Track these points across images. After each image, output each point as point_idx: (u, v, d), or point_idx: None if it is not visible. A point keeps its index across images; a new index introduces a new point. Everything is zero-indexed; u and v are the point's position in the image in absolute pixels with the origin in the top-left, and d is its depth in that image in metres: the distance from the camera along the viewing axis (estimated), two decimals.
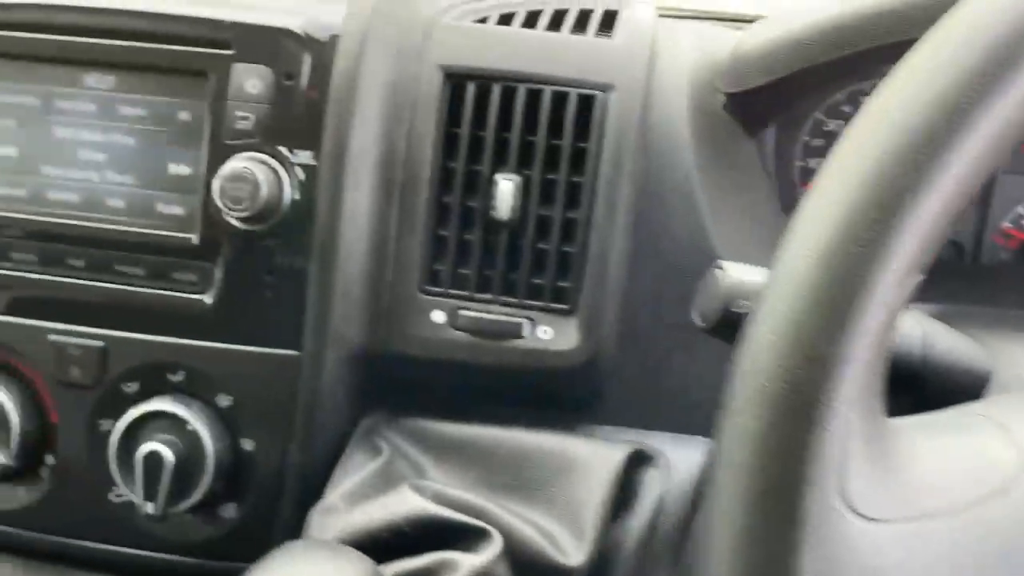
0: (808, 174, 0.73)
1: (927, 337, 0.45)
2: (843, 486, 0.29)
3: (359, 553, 0.48)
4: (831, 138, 0.72)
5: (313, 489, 0.62)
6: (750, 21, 0.82)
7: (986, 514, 0.31)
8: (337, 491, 0.59)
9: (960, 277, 0.71)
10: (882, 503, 0.30)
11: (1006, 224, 0.73)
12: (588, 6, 0.66)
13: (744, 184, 0.67)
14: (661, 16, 0.69)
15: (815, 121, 0.72)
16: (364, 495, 0.58)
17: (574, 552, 0.56)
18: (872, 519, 0.30)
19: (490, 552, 0.50)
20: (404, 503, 0.52)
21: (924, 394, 0.45)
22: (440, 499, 0.54)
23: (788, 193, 0.72)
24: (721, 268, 0.45)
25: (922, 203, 0.28)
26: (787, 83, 0.63)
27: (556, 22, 0.64)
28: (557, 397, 0.63)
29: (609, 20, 0.65)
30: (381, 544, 0.51)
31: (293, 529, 0.62)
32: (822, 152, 0.72)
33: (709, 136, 0.65)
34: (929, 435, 0.34)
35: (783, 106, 0.68)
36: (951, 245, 0.76)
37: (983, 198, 0.73)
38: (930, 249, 0.30)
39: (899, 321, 0.32)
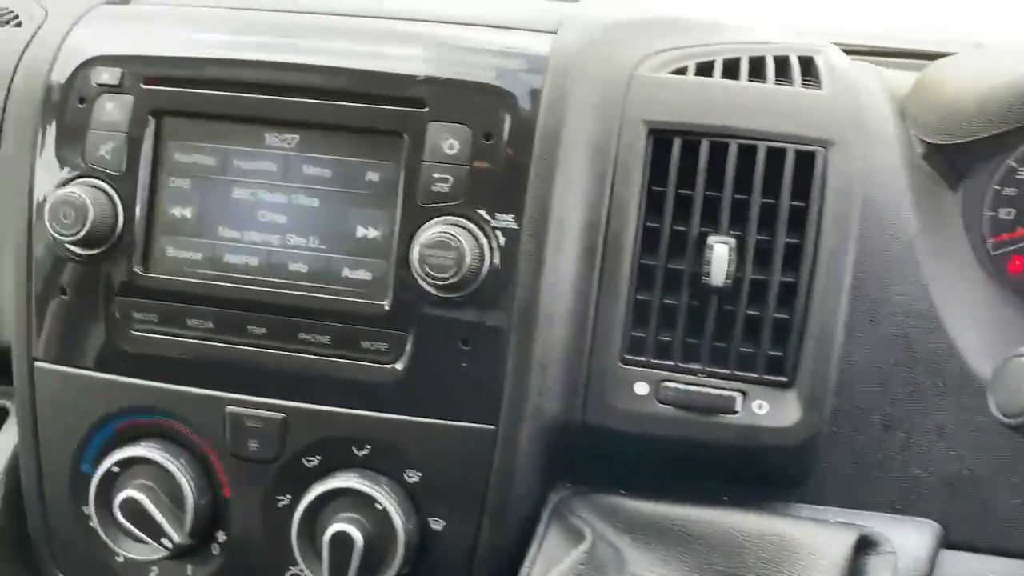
0: (999, 225, 0.68)
1: None
2: None
3: None
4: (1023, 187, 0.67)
5: (504, 571, 0.59)
6: (927, 57, 0.78)
7: None
8: None
9: None
10: None
11: None
12: (779, 52, 0.62)
13: (951, 240, 0.63)
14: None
15: (1007, 168, 0.67)
16: None
17: None
18: None
19: None
20: None
21: None
22: None
23: (978, 247, 0.68)
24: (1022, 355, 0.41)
25: None
26: (1005, 135, 0.59)
27: (755, 71, 0.60)
28: (767, 475, 0.58)
29: (807, 67, 0.61)
30: None
31: None
32: (1014, 202, 0.67)
33: (919, 191, 0.61)
34: None
35: (988, 156, 0.64)
36: None
37: None
38: None
39: None
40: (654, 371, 0.57)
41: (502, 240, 0.55)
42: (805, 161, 0.56)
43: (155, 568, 0.62)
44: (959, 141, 0.60)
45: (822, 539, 0.55)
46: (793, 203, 0.56)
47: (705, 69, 0.60)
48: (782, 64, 0.61)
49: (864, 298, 0.58)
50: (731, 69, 0.60)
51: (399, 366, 0.57)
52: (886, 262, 0.58)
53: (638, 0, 0.71)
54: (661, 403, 0.57)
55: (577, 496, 0.60)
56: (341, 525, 0.56)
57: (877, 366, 0.58)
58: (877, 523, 0.57)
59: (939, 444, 0.58)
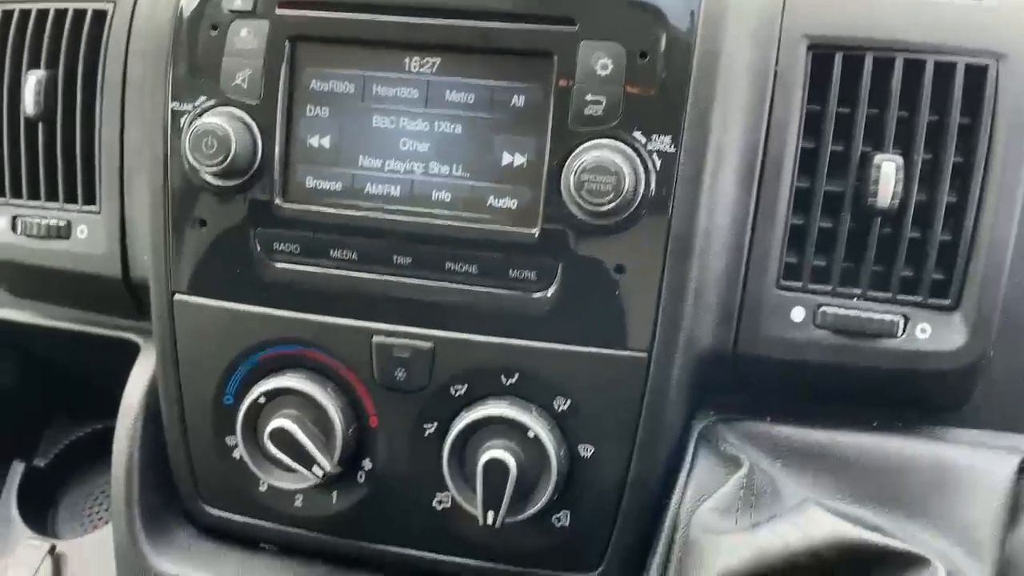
0: None
1: None
2: None
3: None
4: None
5: (652, 497, 0.59)
6: None
7: None
8: (706, 506, 0.54)
9: None
10: None
11: None
12: None
13: None
14: None
15: None
16: (734, 509, 0.54)
17: (975, 573, 0.51)
18: None
19: None
20: (819, 525, 0.48)
21: None
22: (845, 519, 0.50)
23: None
24: None
25: None
26: None
27: None
28: (923, 400, 0.57)
29: None
30: (800, 571, 0.47)
31: (631, 538, 0.59)
32: None
33: None
34: None
35: None
36: None
37: None
38: None
39: None
40: (812, 296, 0.56)
41: (658, 163, 0.54)
42: (975, 76, 0.53)
43: (300, 496, 0.63)
44: None
45: (982, 462, 0.54)
46: (961, 121, 0.53)
47: None
48: None
49: None
50: None
51: (549, 294, 0.56)
52: None
53: None
54: (818, 328, 0.56)
55: (725, 424, 0.59)
56: (496, 452, 0.56)
57: None
58: None
59: None
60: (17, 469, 0.76)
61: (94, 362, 0.72)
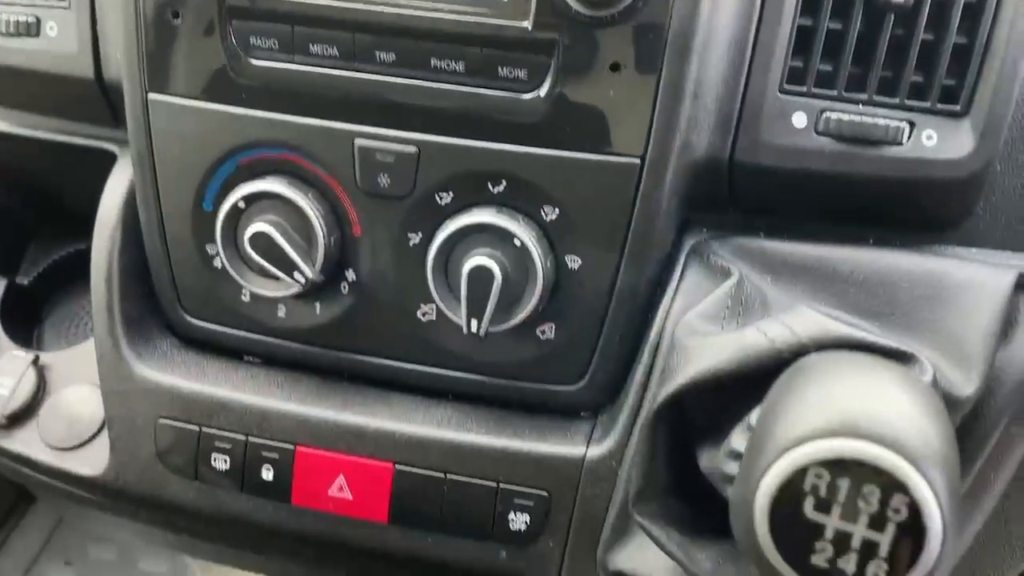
0: None
1: None
2: None
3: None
4: None
5: (638, 310, 0.58)
6: None
7: None
8: (693, 312, 0.53)
9: None
10: None
11: None
12: None
13: None
14: None
15: None
16: (721, 316, 0.53)
17: (963, 383, 0.50)
18: None
19: (927, 376, 0.44)
20: (806, 322, 0.46)
21: None
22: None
23: None
24: None
25: None
26: None
27: None
28: (923, 214, 0.55)
29: None
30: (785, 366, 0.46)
31: (616, 350, 0.58)
32: None
33: None
34: None
35: None
36: None
37: None
38: None
39: None
40: (815, 101, 0.53)
41: None
42: None
43: (282, 307, 0.62)
44: None
45: (979, 277, 0.53)
46: None
47: None
48: None
49: None
50: None
51: (540, 94, 0.53)
52: None
53: None
54: (820, 135, 0.53)
55: (716, 239, 0.58)
56: (481, 259, 0.54)
57: None
58: None
59: None
60: None
61: (73, 176, 0.70)
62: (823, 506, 0.31)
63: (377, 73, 0.55)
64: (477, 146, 0.55)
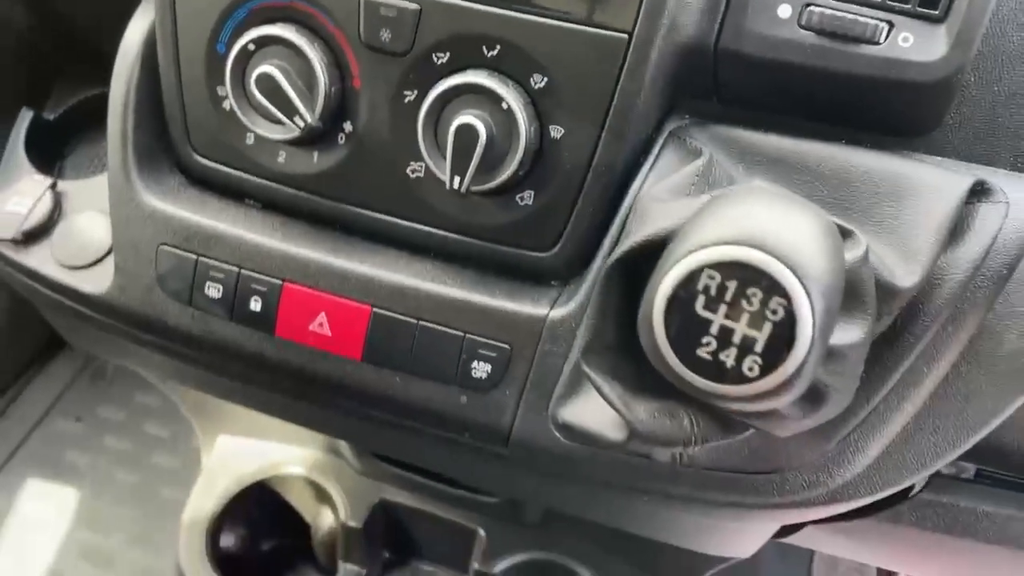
0: None
1: None
2: None
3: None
4: None
5: (614, 185, 0.60)
6: None
7: None
8: (661, 184, 0.56)
9: None
10: None
11: None
12: None
13: None
14: None
15: None
16: (686, 192, 0.56)
17: (905, 274, 0.53)
18: None
19: (857, 251, 0.47)
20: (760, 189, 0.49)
21: None
22: None
23: None
24: None
25: None
26: None
27: None
28: (896, 118, 0.57)
29: None
30: None
31: (588, 222, 0.61)
32: None
33: None
34: None
35: None
36: None
37: None
38: None
39: None
40: None
41: None
42: None
43: (283, 153, 0.65)
44: None
45: (936, 180, 0.55)
46: None
47: None
48: None
49: None
50: None
51: None
52: None
53: None
54: (803, 28, 0.55)
55: (695, 125, 0.60)
56: (468, 118, 0.57)
57: None
58: (996, 177, 0.56)
59: None
60: (26, 116, 0.79)
61: (100, 17, 0.73)
62: (711, 305, 0.35)
63: None
64: (475, 8, 0.58)
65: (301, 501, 1.17)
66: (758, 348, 0.35)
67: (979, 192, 0.55)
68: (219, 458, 1.17)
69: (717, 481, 0.60)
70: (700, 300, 0.35)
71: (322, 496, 1.14)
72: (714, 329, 0.35)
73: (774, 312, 0.34)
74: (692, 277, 0.35)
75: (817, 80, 0.56)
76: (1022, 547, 0.73)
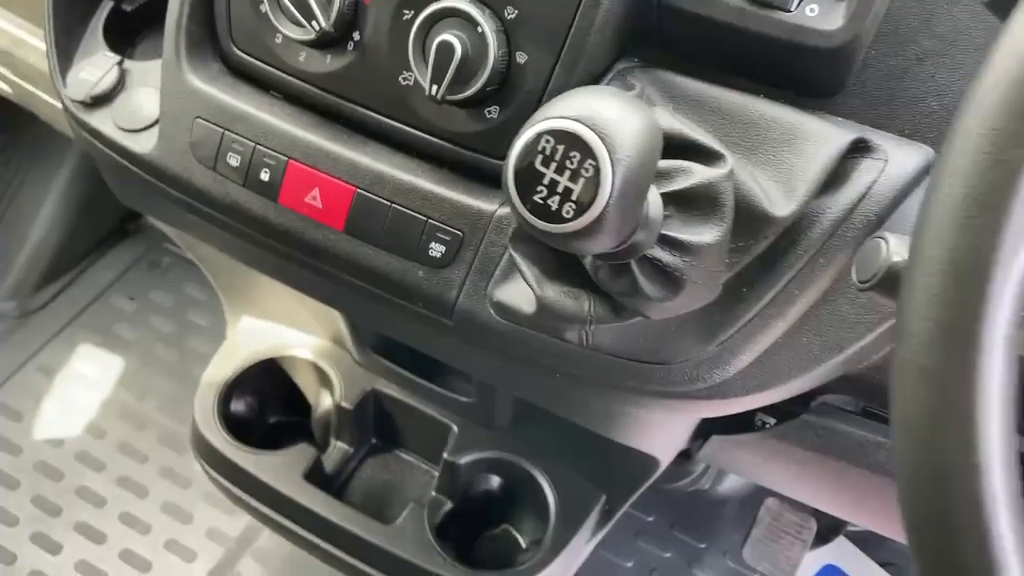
0: None
1: None
2: None
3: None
4: None
5: None
6: None
7: None
8: None
9: None
10: None
11: None
12: None
13: None
14: None
15: None
16: None
17: (782, 205, 0.63)
18: None
19: (721, 169, 0.57)
20: (662, 118, 0.60)
21: None
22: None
23: None
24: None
25: None
26: None
27: None
28: (802, 78, 0.67)
29: None
30: None
31: None
32: None
33: None
34: None
35: None
36: None
37: None
38: None
39: None
40: None
41: None
42: None
43: (303, 52, 0.77)
44: None
45: (824, 131, 0.64)
46: None
47: None
48: None
49: None
50: None
51: None
52: None
53: None
54: None
55: (639, 68, 0.70)
56: (447, 36, 0.68)
57: (925, 4, 0.64)
58: (884, 140, 0.65)
59: (959, 84, 0.65)
60: (107, 4, 0.93)
61: None
62: (546, 163, 0.46)
63: None
64: None
65: (305, 382, 1.31)
66: (573, 197, 0.45)
67: (862, 148, 0.65)
68: (239, 334, 1.31)
69: (615, 366, 0.71)
70: (539, 158, 0.46)
71: (323, 379, 1.27)
72: (546, 181, 0.46)
73: (587, 171, 0.44)
74: (536, 140, 0.46)
75: (740, 38, 0.66)
76: (886, 474, 0.82)
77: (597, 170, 0.44)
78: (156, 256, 1.98)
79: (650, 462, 1.02)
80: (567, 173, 0.45)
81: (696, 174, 0.57)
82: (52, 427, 1.73)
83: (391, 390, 1.23)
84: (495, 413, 1.17)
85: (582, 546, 1.16)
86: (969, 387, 0.35)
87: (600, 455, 1.10)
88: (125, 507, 1.67)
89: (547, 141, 0.45)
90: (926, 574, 0.37)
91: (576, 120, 0.45)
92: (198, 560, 1.61)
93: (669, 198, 0.57)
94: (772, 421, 0.86)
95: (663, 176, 0.57)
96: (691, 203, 0.57)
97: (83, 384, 1.79)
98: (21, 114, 1.20)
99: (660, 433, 0.98)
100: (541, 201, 0.46)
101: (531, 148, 0.46)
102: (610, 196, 0.44)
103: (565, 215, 0.45)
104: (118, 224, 1.97)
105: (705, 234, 0.57)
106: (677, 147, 0.59)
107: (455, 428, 1.20)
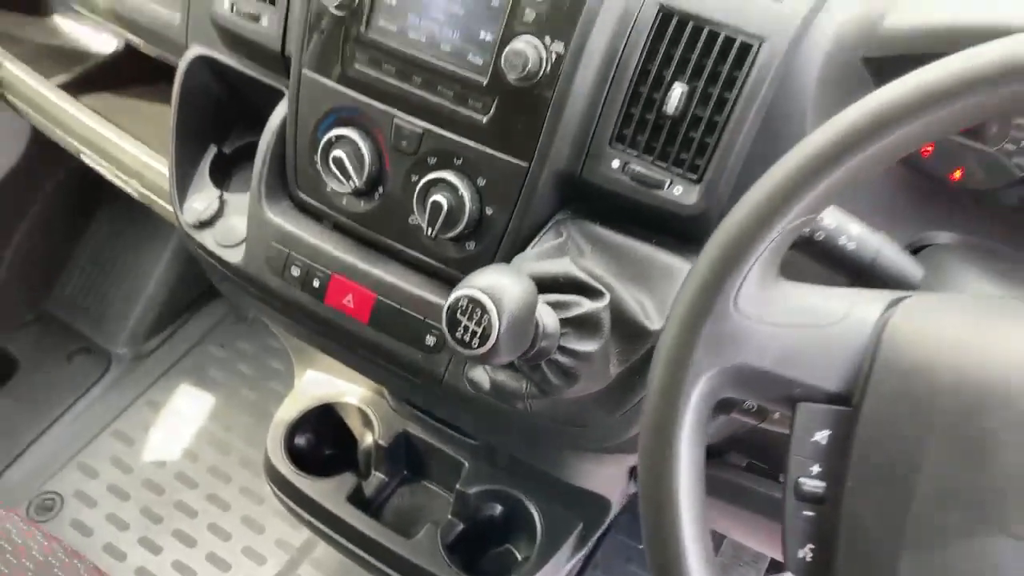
0: None
1: (878, 252, 0.72)
2: (737, 296, 0.61)
3: (531, 280, 0.82)
4: None
5: (521, 243, 0.99)
6: None
7: (809, 332, 0.62)
8: (533, 250, 0.95)
9: (1013, 224, 0.92)
10: (754, 310, 0.61)
11: None
12: None
13: None
14: None
15: None
16: (548, 255, 0.94)
17: (656, 321, 0.89)
18: (746, 316, 0.61)
19: (600, 303, 0.84)
20: (564, 266, 0.87)
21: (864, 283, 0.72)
22: (585, 271, 0.89)
23: None
24: None
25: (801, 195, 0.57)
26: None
27: None
28: (678, 231, 0.93)
29: None
30: (545, 284, 0.87)
31: (504, 261, 1.00)
32: None
33: (838, 80, 0.87)
34: (802, 292, 0.64)
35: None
36: (1017, 198, 0.94)
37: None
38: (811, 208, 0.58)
39: (787, 242, 0.61)
40: (625, 155, 0.89)
41: (554, 57, 0.89)
42: (746, 48, 0.85)
43: (345, 198, 1.08)
44: (886, 56, 0.85)
45: (679, 266, 0.90)
46: (731, 73, 0.86)
47: None
48: None
49: (769, 136, 0.88)
50: None
51: (484, 119, 0.95)
52: (788, 117, 0.87)
53: None
54: (624, 174, 0.91)
55: (570, 218, 0.98)
56: (438, 197, 0.97)
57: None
58: None
59: None
60: (212, 149, 1.26)
61: (261, 97, 1.19)
62: (463, 313, 0.73)
63: (411, 87, 0.99)
64: (450, 136, 0.97)
65: (352, 422, 1.60)
66: (478, 335, 0.73)
67: None
68: (304, 384, 1.62)
69: (551, 427, 0.98)
70: (458, 311, 0.74)
71: (366, 421, 1.56)
72: (463, 324, 0.73)
73: (484, 319, 0.72)
74: (457, 300, 0.74)
75: (635, 206, 0.93)
76: (763, 512, 1.06)
77: (490, 320, 0.72)
78: (241, 311, 2.33)
79: (603, 500, 1.27)
80: (474, 320, 0.73)
81: (583, 306, 0.84)
82: (157, 451, 2.08)
83: (418, 432, 1.52)
84: (497, 456, 1.44)
85: (563, 562, 1.42)
86: (668, 466, 0.61)
87: (571, 492, 1.36)
88: (212, 519, 2.00)
89: (462, 301, 0.73)
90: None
91: (478, 289, 0.73)
92: (267, 564, 1.92)
93: (565, 321, 0.84)
94: None
95: (561, 306, 0.84)
96: (580, 324, 0.85)
97: (181, 417, 2.14)
98: (143, 205, 1.55)
99: (599, 477, 1.24)
100: (460, 336, 0.74)
101: (454, 305, 0.74)
102: (498, 335, 0.72)
103: (473, 345, 0.73)
104: (211, 285, 2.34)
105: (589, 345, 0.84)
106: (574, 286, 0.87)
107: (467, 464, 1.47)
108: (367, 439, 1.56)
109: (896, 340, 0.59)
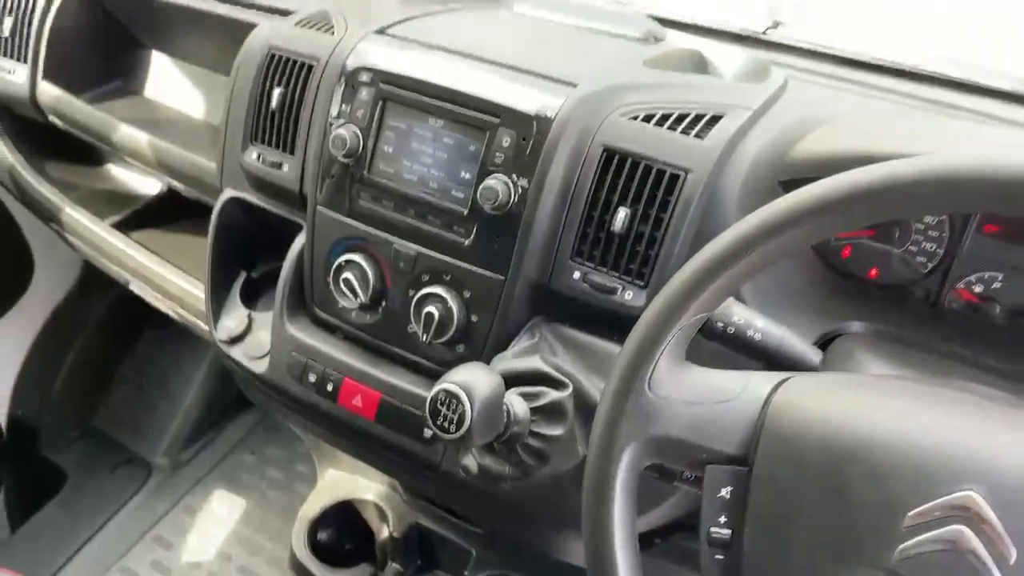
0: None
1: (781, 341, 0.86)
2: (651, 379, 0.75)
3: (498, 375, 0.96)
4: None
5: (503, 344, 1.14)
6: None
7: (712, 407, 0.75)
8: (511, 350, 1.10)
9: (920, 315, 1.05)
10: (664, 391, 0.75)
11: (960, 285, 1.05)
12: (709, 111, 1.06)
13: None
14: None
15: None
16: (524, 353, 1.09)
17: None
18: (659, 395, 0.75)
19: (564, 392, 0.98)
20: (534, 363, 1.02)
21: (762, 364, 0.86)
22: (552, 365, 1.03)
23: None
24: None
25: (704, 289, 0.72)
26: None
27: (680, 120, 1.06)
28: (629, 329, 1.08)
29: (713, 122, 1.05)
30: (517, 378, 1.01)
31: (488, 360, 1.15)
32: None
33: (756, 197, 1.03)
34: (705, 374, 0.77)
35: None
36: (923, 292, 1.08)
37: (947, 262, 1.05)
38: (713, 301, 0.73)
39: (688, 334, 0.75)
40: (584, 267, 1.04)
41: (520, 190, 1.07)
42: (676, 177, 1.02)
43: (354, 312, 1.24)
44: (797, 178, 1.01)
45: None
46: (665, 197, 1.02)
47: (648, 118, 1.06)
48: (699, 118, 1.06)
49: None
50: (663, 120, 1.06)
51: (466, 242, 1.12)
52: (715, 232, 1.03)
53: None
54: (584, 283, 1.06)
55: (544, 321, 1.13)
56: (430, 308, 1.13)
57: None
58: None
59: None
60: (242, 274, 1.44)
61: (282, 229, 1.37)
62: (442, 404, 0.87)
63: (407, 218, 1.16)
64: (440, 257, 1.14)
65: (369, 516, 1.72)
66: (455, 422, 0.87)
67: None
68: (325, 483, 1.74)
69: (536, 506, 1.10)
70: (438, 402, 0.88)
71: (382, 515, 1.68)
72: (442, 413, 0.87)
73: (459, 409, 0.86)
74: (437, 393, 0.89)
75: (594, 308, 1.08)
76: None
77: (464, 409, 0.86)
78: (271, 420, 2.47)
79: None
80: (451, 409, 0.87)
81: (550, 395, 0.98)
82: (193, 554, 2.19)
83: (429, 523, 1.63)
84: (496, 539, 1.55)
85: None
86: (606, 520, 0.74)
87: (573, 571, 1.45)
88: None
89: (440, 395, 0.88)
90: None
91: (454, 383, 0.87)
92: None
93: (534, 409, 0.98)
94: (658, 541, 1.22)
95: (531, 396, 0.99)
96: (547, 412, 0.98)
97: (215, 520, 2.26)
98: (179, 325, 1.72)
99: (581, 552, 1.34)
100: (440, 423, 0.88)
101: (435, 397, 0.88)
102: (471, 421, 0.86)
103: (451, 430, 0.87)
104: (242, 397, 2.49)
105: (556, 429, 0.97)
106: (542, 379, 1.01)
107: (474, 552, 1.57)
108: (383, 532, 1.67)
109: (779, 412, 0.72)
